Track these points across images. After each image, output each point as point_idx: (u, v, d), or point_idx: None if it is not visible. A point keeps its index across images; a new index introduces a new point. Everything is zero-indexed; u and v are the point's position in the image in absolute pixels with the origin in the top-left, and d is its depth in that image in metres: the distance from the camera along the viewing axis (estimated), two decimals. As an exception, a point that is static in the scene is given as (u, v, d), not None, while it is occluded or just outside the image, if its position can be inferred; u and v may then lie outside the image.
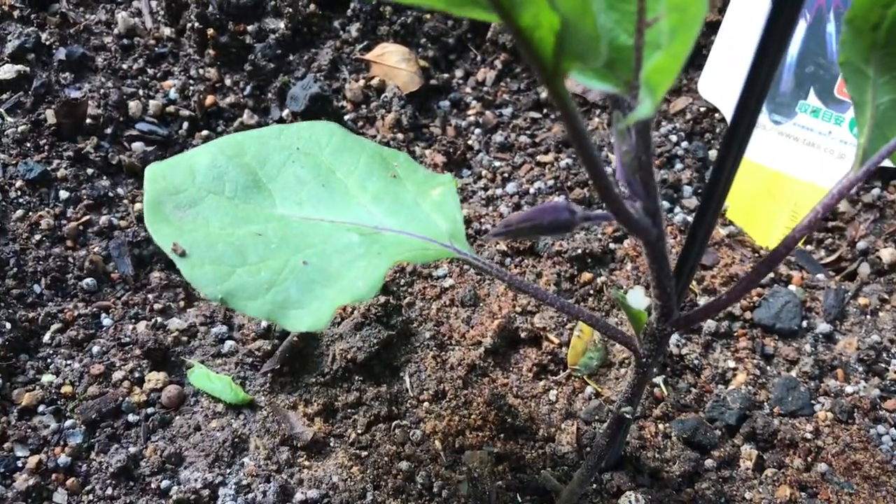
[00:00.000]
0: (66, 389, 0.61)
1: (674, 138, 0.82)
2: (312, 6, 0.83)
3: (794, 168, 0.76)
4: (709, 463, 0.63)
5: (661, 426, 0.65)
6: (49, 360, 0.62)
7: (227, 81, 0.81)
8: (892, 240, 0.75)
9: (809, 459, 0.63)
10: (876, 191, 0.78)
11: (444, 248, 0.44)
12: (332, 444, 0.62)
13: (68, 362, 0.62)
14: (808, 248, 0.76)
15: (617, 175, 0.39)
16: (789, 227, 0.75)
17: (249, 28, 0.82)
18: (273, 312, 0.42)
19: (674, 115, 0.83)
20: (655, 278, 0.42)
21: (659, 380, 0.67)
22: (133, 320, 0.66)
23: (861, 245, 0.75)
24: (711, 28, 0.84)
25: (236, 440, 0.60)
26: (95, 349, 0.63)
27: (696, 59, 0.84)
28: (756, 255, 0.75)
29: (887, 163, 0.74)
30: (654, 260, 0.41)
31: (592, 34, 0.29)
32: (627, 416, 0.53)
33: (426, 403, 0.65)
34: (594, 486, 0.61)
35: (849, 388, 0.66)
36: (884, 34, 0.36)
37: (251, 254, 0.41)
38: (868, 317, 0.71)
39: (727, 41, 0.82)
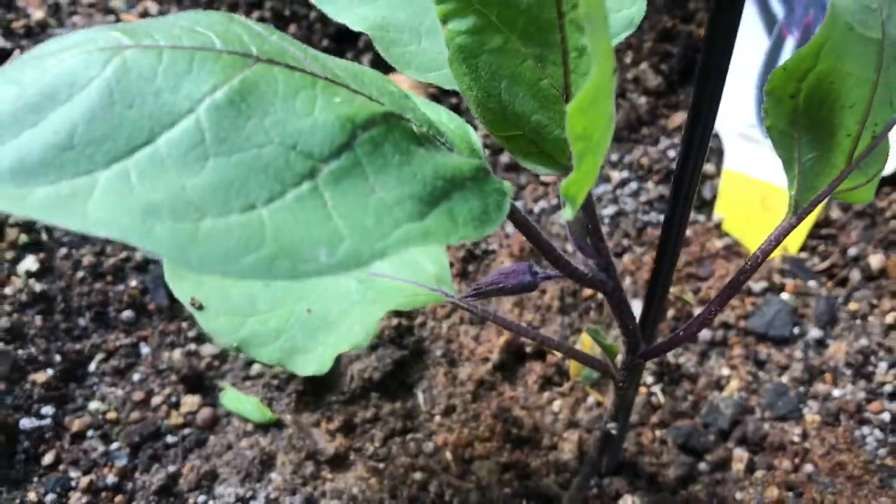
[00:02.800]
0: (112, 415, 0.68)
1: (671, 154, 0.87)
2: (326, 41, 0.89)
3: (785, 180, 0.81)
4: (702, 466, 0.68)
5: (657, 433, 0.70)
6: (95, 389, 0.70)
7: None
8: (882, 246, 0.79)
9: (797, 461, 0.68)
10: (866, 199, 0.82)
11: (433, 292, 0.50)
12: (351, 458, 0.68)
13: (112, 390, 0.70)
14: (802, 255, 0.81)
15: (570, 241, 0.45)
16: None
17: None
18: (282, 359, 0.48)
19: (672, 130, 0.88)
20: (618, 320, 0.48)
21: (657, 388, 0.73)
22: (169, 348, 0.73)
23: (852, 252, 0.79)
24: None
25: (265, 457, 0.67)
26: (136, 377, 0.71)
27: (691, 74, 0.89)
28: (749, 262, 0.79)
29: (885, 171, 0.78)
30: (614, 306, 0.47)
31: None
32: (613, 431, 0.58)
33: (438, 417, 0.71)
34: (595, 490, 0.67)
35: (836, 392, 0.71)
36: (802, 102, 0.41)
37: (261, 302, 0.48)
38: (858, 321, 0.76)
39: (719, 60, 0.87)
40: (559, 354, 0.75)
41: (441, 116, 0.40)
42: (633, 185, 0.84)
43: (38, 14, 0.93)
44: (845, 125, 0.42)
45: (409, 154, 0.33)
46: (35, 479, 0.64)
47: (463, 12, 0.39)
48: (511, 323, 0.53)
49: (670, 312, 0.76)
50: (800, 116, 0.42)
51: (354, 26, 0.45)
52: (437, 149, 0.36)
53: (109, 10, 0.93)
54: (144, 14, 0.93)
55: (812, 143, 0.43)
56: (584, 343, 0.76)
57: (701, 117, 0.43)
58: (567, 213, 0.36)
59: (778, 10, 0.83)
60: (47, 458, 0.65)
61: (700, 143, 0.44)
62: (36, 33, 0.91)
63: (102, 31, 0.31)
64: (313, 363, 0.53)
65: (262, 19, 0.94)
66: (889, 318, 0.75)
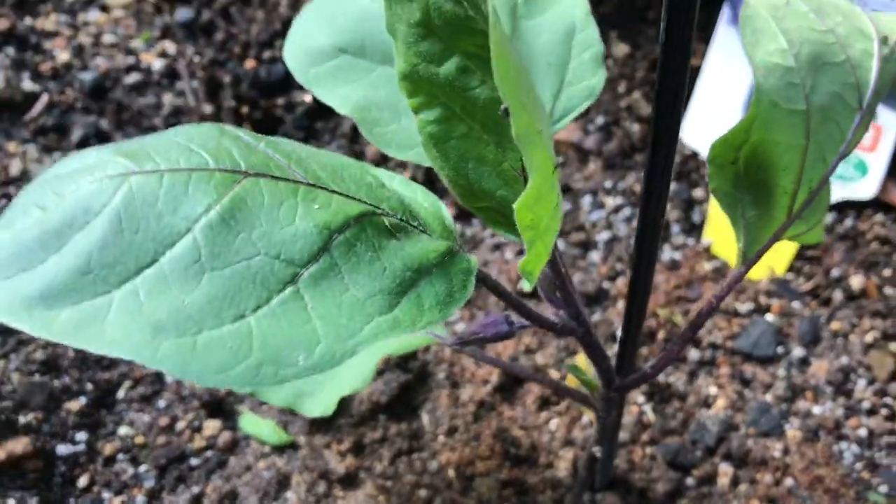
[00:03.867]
0: (140, 439, 0.74)
1: (663, 179, 0.90)
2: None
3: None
4: (689, 481, 0.73)
5: (647, 450, 0.75)
6: (124, 415, 0.76)
7: (262, 151, 0.93)
8: (863, 267, 0.83)
9: (778, 475, 0.72)
10: (849, 221, 0.86)
11: (425, 335, 0.55)
12: (361, 476, 0.74)
13: (140, 415, 0.76)
14: (789, 276, 0.84)
15: (541, 294, 0.49)
16: (770, 256, 0.83)
17: (279, 101, 0.94)
18: (291, 403, 0.54)
19: (664, 155, 0.92)
20: (592, 360, 0.53)
21: (647, 407, 0.77)
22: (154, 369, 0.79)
23: (835, 273, 0.83)
24: (693, 73, 0.92)
25: (281, 477, 0.73)
26: (161, 403, 0.77)
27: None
28: (738, 285, 0.83)
29: (860, 195, 0.82)
30: (586, 347, 0.51)
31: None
32: (597, 454, 0.63)
33: (441, 437, 0.76)
34: (588, 504, 0.72)
35: (816, 409, 0.75)
36: (741, 167, 0.45)
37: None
38: (839, 340, 0.79)
39: (707, 89, 0.91)
40: (556, 375, 0.80)
41: (417, 196, 0.45)
42: (627, 211, 0.88)
43: (63, 56, 0.99)
44: (782, 185, 0.46)
45: (379, 249, 0.38)
46: (71, 500, 0.70)
47: (431, 105, 0.44)
48: (496, 360, 0.58)
49: (661, 334, 0.81)
50: (741, 179, 0.46)
51: (340, 109, 0.50)
52: (408, 235, 0.41)
53: (130, 51, 0.99)
54: (163, 54, 0.98)
55: (754, 201, 0.47)
56: (580, 364, 0.81)
57: (658, 168, 0.46)
58: (526, 286, 0.40)
59: (763, 39, 0.86)
60: (82, 481, 0.71)
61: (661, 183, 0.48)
62: (62, 75, 0.97)
63: (111, 156, 0.36)
64: (319, 406, 0.59)
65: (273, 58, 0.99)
66: (868, 337, 0.78)
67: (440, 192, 0.70)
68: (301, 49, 0.52)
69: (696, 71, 0.93)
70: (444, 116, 0.43)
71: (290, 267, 0.36)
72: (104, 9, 1.06)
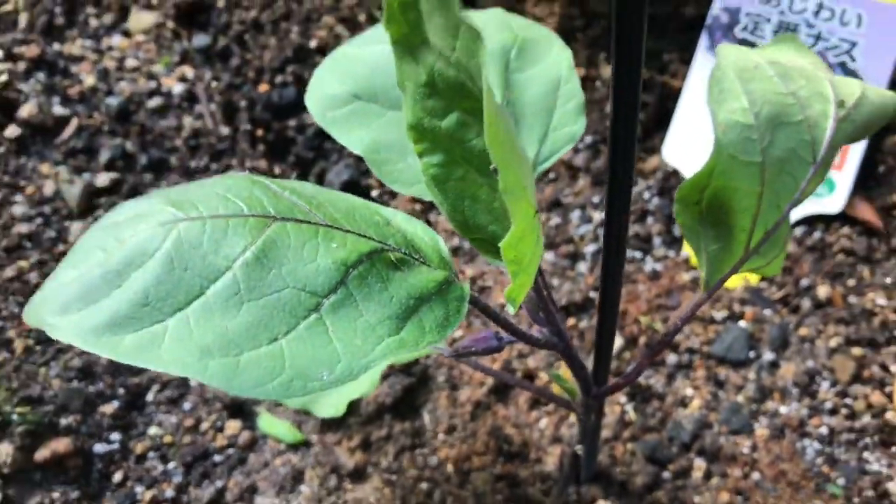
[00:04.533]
0: (168, 439, 0.81)
1: (646, 195, 0.97)
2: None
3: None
4: (666, 475, 0.80)
5: (628, 446, 0.81)
6: (153, 416, 0.83)
7: (276, 170, 1.00)
8: (829, 277, 0.89)
9: (746, 469, 0.79)
10: (817, 234, 0.92)
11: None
12: (369, 471, 0.80)
13: (167, 417, 0.82)
14: (762, 285, 0.91)
15: (526, 314, 0.56)
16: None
17: (291, 123, 1.01)
18: (306, 404, 0.61)
19: (648, 173, 0.99)
20: (572, 370, 0.59)
21: (629, 407, 0.84)
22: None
23: (804, 282, 0.89)
24: (675, 95, 0.98)
25: (295, 472, 0.80)
26: (187, 405, 0.83)
27: (666, 121, 0.99)
28: (714, 294, 0.90)
29: (828, 210, 0.88)
30: (566, 358, 0.58)
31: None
32: (579, 452, 0.70)
33: (441, 435, 0.83)
34: (574, 497, 0.78)
35: (783, 409, 0.82)
36: (705, 207, 0.52)
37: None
38: (806, 345, 0.86)
39: (687, 110, 0.97)
40: (545, 378, 0.86)
41: (417, 231, 0.51)
42: (612, 225, 0.94)
43: (89, 80, 1.05)
44: (740, 224, 0.53)
45: (387, 281, 0.45)
46: (108, 494, 0.77)
47: (434, 151, 0.50)
48: (488, 369, 0.64)
49: (642, 339, 0.87)
50: (704, 217, 0.53)
51: (353, 149, 0.56)
52: (411, 267, 0.47)
53: (151, 76, 1.05)
54: (182, 78, 1.05)
55: (715, 237, 0.54)
56: (555, 385, 0.87)
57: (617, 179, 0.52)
58: (510, 310, 0.47)
59: (737, 67, 0.92)
60: (117, 477, 0.78)
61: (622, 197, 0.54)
62: (88, 98, 1.03)
63: (161, 205, 0.42)
64: (331, 408, 0.65)
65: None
66: (833, 343, 0.85)
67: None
68: (320, 95, 0.58)
69: (677, 92, 0.99)
70: (444, 161, 0.50)
71: (314, 297, 0.42)
72: (126, 34, 1.13)
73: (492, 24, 0.61)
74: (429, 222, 0.98)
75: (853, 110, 0.53)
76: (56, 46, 1.10)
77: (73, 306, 0.41)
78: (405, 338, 0.44)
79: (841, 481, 0.77)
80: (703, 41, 0.96)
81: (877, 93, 0.55)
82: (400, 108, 0.58)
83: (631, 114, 0.47)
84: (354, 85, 0.58)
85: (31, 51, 1.08)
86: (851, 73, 0.91)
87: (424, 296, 0.46)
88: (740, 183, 0.50)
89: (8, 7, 1.15)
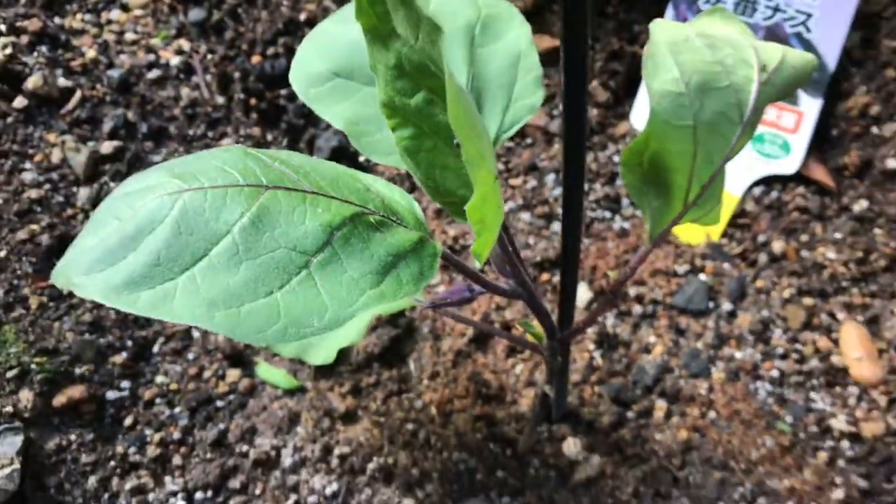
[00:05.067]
0: (173, 386, 0.87)
1: (616, 158, 1.02)
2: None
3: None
4: (630, 415, 0.86)
5: (596, 388, 0.88)
6: (159, 366, 0.89)
7: (269, 137, 1.05)
8: (784, 234, 0.95)
9: (703, 409, 0.85)
10: (774, 194, 0.98)
11: (407, 299, 0.68)
12: (359, 414, 0.87)
13: (173, 366, 0.89)
14: (723, 241, 0.97)
15: (494, 267, 0.62)
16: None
17: (282, 92, 1.05)
18: (299, 353, 0.66)
19: (618, 137, 1.04)
20: (537, 317, 0.65)
21: (597, 353, 0.90)
22: (214, 333, 0.92)
23: (761, 238, 0.95)
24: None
25: (292, 415, 0.86)
26: (190, 355, 0.89)
27: (636, 88, 1.04)
28: (678, 249, 0.96)
29: (784, 171, 0.94)
30: (530, 306, 0.63)
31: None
32: (549, 392, 0.76)
33: (425, 381, 0.89)
34: (546, 434, 0.85)
35: (738, 354, 0.88)
36: (646, 167, 0.57)
37: (283, 318, 0.66)
38: (762, 296, 0.92)
39: (655, 78, 1.02)
40: (521, 329, 0.92)
41: (395, 195, 0.57)
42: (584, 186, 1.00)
43: (91, 53, 1.09)
44: (678, 182, 0.58)
45: (368, 241, 0.50)
46: (120, 436, 0.83)
47: (405, 125, 0.55)
48: (467, 319, 0.70)
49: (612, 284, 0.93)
50: (646, 176, 0.58)
51: (334, 123, 0.61)
52: (389, 228, 0.52)
53: (150, 48, 1.09)
54: (179, 51, 1.09)
55: (657, 194, 0.59)
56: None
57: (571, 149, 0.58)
58: (477, 264, 0.53)
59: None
60: (128, 421, 0.84)
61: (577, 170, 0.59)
62: (91, 69, 1.08)
63: (167, 178, 0.48)
64: (322, 355, 0.71)
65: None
66: (786, 294, 0.91)
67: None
68: (303, 73, 0.63)
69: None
70: (415, 134, 0.55)
71: (304, 256, 0.48)
72: (125, 8, 1.16)
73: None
74: (413, 186, 1.03)
75: (774, 74, 0.57)
76: (57, 20, 1.14)
77: (96, 268, 0.46)
78: (384, 290, 0.49)
79: (789, 419, 0.84)
80: (669, 13, 1.01)
81: (796, 55, 0.59)
82: (375, 84, 0.63)
83: (580, 90, 0.53)
84: (334, 63, 0.63)
85: (34, 24, 1.12)
86: (806, 43, 0.96)
87: (401, 253, 0.51)
88: (675, 145, 0.56)
89: (9, -19, 1.18)
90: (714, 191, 0.61)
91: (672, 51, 0.56)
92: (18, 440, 0.75)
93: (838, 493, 0.78)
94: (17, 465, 0.74)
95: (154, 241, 0.47)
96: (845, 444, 0.81)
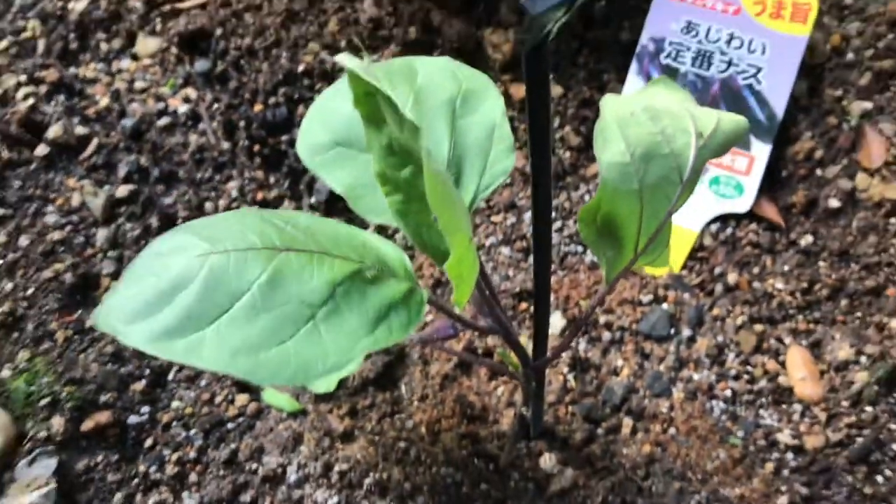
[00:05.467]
0: (188, 410, 0.95)
1: (587, 198, 1.11)
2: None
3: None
4: (600, 431, 0.95)
5: (569, 408, 0.96)
6: (174, 392, 0.97)
7: (271, 179, 1.13)
8: (738, 266, 1.04)
9: (665, 426, 0.94)
10: (729, 230, 1.07)
11: (397, 336, 0.76)
12: (356, 434, 0.95)
13: (187, 392, 0.97)
14: (683, 273, 1.06)
15: (474, 309, 0.70)
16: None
17: (283, 138, 1.14)
18: (304, 383, 0.75)
19: (589, 178, 1.13)
20: (511, 349, 0.74)
21: (570, 376, 0.99)
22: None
23: (717, 270, 1.04)
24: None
25: (295, 435, 0.94)
26: (203, 382, 0.98)
27: (606, 132, 1.13)
28: (643, 280, 1.05)
29: (738, 209, 1.03)
30: (505, 340, 0.72)
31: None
32: (526, 414, 0.85)
33: (416, 403, 0.98)
34: (525, 450, 0.93)
35: (696, 376, 0.97)
36: (600, 223, 0.65)
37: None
38: (718, 323, 1.01)
39: (621, 124, 1.11)
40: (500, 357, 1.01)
41: (388, 250, 0.65)
42: (558, 223, 1.09)
43: (104, 101, 1.18)
44: (628, 235, 0.66)
45: (364, 294, 0.59)
46: (141, 457, 0.92)
47: (396, 192, 0.64)
48: (451, 350, 0.79)
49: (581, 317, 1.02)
50: (600, 231, 0.66)
51: (335, 188, 0.70)
52: (382, 280, 0.61)
53: (159, 97, 1.18)
54: (186, 99, 1.18)
55: (610, 245, 0.67)
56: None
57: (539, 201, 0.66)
58: (458, 307, 0.62)
59: (661, 88, 1.07)
60: (148, 442, 0.93)
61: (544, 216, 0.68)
62: (104, 116, 1.16)
63: (195, 240, 0.56)
64: (323, 385, 0.80)
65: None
66: (739, 321, 1.00)
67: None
68: (308, 143, 0.72)
69: (614, 109, 1.13)
70: (404, 200, 0.64)
71: (311, 309, 0.56)
72: (134, 57, 1.25)
73: (442, 74, 0.74)
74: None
75: (709, 139, 0.65)
76: (72, 70, 1.23)
77: (137, 318, 0.55)
78: (378, 337, 0.58)
79: (740, 434, 0.93)
80: (634, 66, 1.10)
81: (729, 120, 0.67)
82: (369, 151, 0.72)
83: (544, 156, 0.61)
84: (334, 134, 0.72)
85: (51, 75, 1.20)
86: (757, 93, 1.06)
87: (393, 303, 0.60)
88: (624, 207, 0.64)
89: (27, 34, 1.27)
90: (661, 240, 0.69)
91: (619, 125, 0.65)
92: (53, 462, 0.84)
93: (783, 500, 0.87)
94: (53, 485, 0.82)
95: (186, 297, 0.55)
96: (790, 455, 0.90)
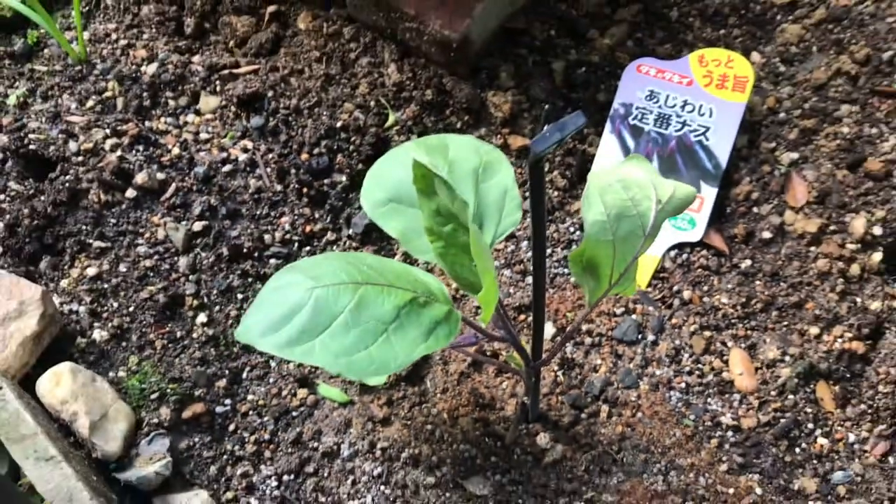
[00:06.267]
0: (261, 402, 1.18)
1: (571, 229, 1.35)
2: (361, 165, 1.38)
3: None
4: (583, 416, 1.18)
5: (560, 398, 1.20)
6: (248, 387, 1.20)
7: (317, 215, 1.36)
8: (691, 284, 1.28)
9: (634, 411, 1.18)
10: (685, 255, 1.31)
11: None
12: (392, 419, 1.18)
13: (259, 387, 1.20)
14: (648, 289, 1.30)
15: (492, 323, 0.94)
16: (638, 277, 1.28)
17: (326, 181, 1.37)
18: (364, 378, 0.98)
19: (573, 212, 1.37)
20: (517, 352, 0.97)
21: (560, 373, 1.23)
22: (287, 362, 1.23)
23: (675, 288, 1.28)
24: (591, 158, 1.36)
25: (346, 421, 1.17)
26: (271, 379, 1.20)
27: (584, 177, 1.37)
28: (617, 297, 1.29)
29: (692, 239, 1.27)
30: (514, 347, 0.95)
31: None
32: (527, 402, 1.09)
33: (438, 394, 1.21)
34: (525, 431, 1.17)
35: (658, 372, 1.21)
36: (584, 263, 0.88)
37: (354, 357, 0.98)
38: (676, 330, 1.25)
39: (598, 169, 1.35)
40: (505, 355, 1.25)
41: (432, 282, 0.89)
42: (549, 251, 1.33)
43: (175, 150, 1.40)
44: (605, 272, 0.88)
45: (419, 315, 0.82)
46: (227, 438, 1.14)
47: (439, 240, 0.86)
48: (467, 352, 1.03)
49: (568, 328, 1.26)
50: (584, 269, 0.89)
51: (391, 233, 0.93)
52: (430, 305, 0.84)
53: (222, 147, 1.41)
54: (245, 149, 1.40)
55: (591, 279, 0.90)
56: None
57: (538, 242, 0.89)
58: (483, 323, 0.85)
59: (630, 143, 1.31)
60: (231, 427, 1.15)
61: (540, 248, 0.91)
62: (177, 164, 1.39)
63: (303, 278, 0.80)
64: (376, 379, 1.04)
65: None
66: (692, 328, 1.24)
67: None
68: (369, 200, 0.94)
69: (592, 157, 1.37)
70: (445, 246, 0.87)
71: (384, 325, 0.79)
72: (198, 113, 1.48)
73: (467, 148, 0.98)
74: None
75: (667, 203, 0.87)
76: (147, 123, 1.45)
77: (267, 333, 0.78)
78: (429, 344, 0.81)
79: (692, 417, 1.16)
80: (608, 126, 1.34)
81: (683, 190, 0.90)
82: (417, 206, 0.95)
83: (540, 232, 0.85)
84: (388, 193, 0.95)
85: (131, 129, 1.43)
86: (706, 148, 1.30)
87: (438, 321, 0.83)
88: (602, 252, 0.86)
89: (108, 94, 1.49)
90: (629, 276, 0.92)
91: (600, 193, 0.88)
92: (167, 441, 1.06)
93: (723, 467, 1.11)
94: (168, 459, 1.05)
95: (300, 319, 0.78)
96: (730, 433, 1.14)
